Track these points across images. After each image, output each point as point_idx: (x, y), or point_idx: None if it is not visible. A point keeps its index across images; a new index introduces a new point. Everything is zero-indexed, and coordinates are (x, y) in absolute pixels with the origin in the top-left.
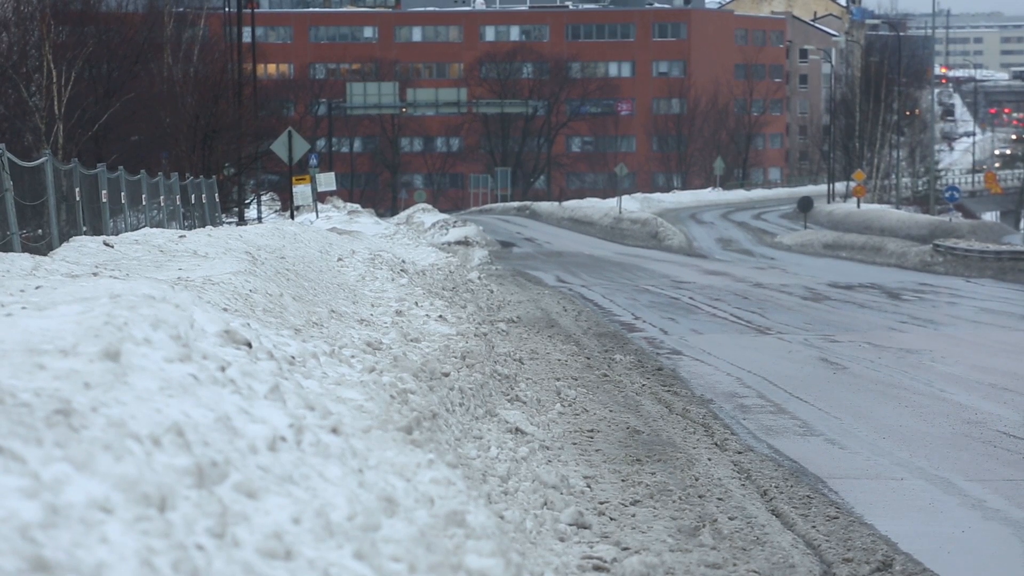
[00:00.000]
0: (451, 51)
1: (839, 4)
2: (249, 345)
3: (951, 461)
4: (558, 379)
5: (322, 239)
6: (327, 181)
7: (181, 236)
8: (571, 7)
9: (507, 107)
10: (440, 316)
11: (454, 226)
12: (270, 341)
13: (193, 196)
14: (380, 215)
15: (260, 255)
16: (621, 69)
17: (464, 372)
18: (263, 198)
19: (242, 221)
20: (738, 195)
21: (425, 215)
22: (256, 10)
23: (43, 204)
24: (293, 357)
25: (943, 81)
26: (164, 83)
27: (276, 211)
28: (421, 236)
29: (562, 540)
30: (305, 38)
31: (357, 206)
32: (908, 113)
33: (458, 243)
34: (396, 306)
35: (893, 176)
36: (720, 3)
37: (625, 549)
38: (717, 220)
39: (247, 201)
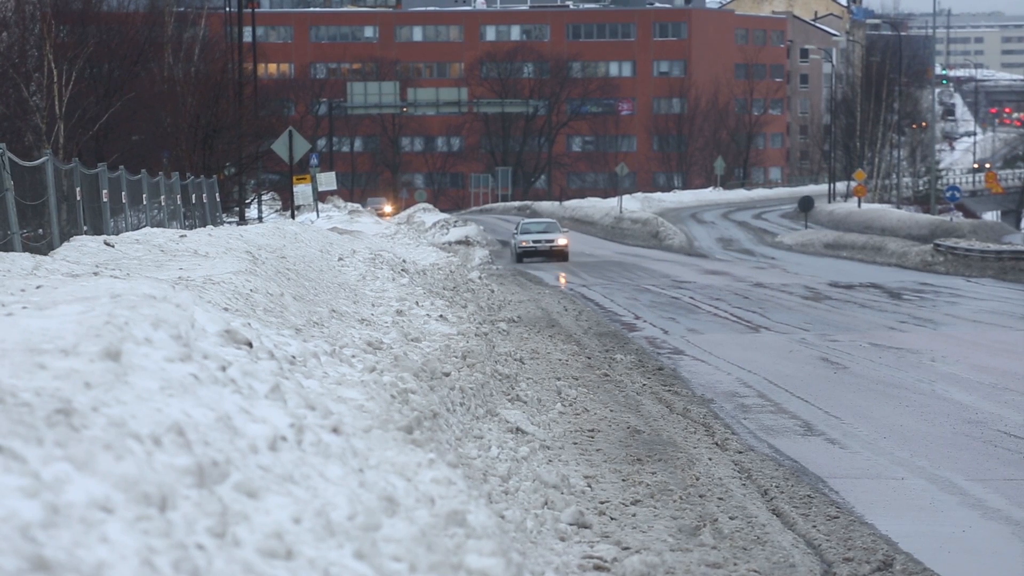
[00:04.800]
0: (452, 51)
1: (840, 4)
2: (250, 345)
3: (951, 461)
4: (559, 379)
5: (323, 239)
6: (328, 181)
7: (182, 236)
8: (572, 7)
9: (508, 107)
10: (441, 316)
11: (455, 226)
12: (271, 341)
13: (194, 196)
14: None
15: (261, 255)
16: (622, 69)
17: (465, 372)
18: (264, 198)
19: (243, 221)
20: (739, 195)
21: (426, 215)
22: (257, 10)
23: (44, 204)
24: (294, 357)
25: (950, 77)
26: (165, 83)
27: (277, 211)
28: (422, 236)
29: (563, 540)
30: (306, 38)
31: (358, 205)
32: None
33: (459, 243)
34: (397, 306)
35: (894, 176)
36: (721, 3)
37: (626, 549)
38: (718, 220)
39: (248, 201)
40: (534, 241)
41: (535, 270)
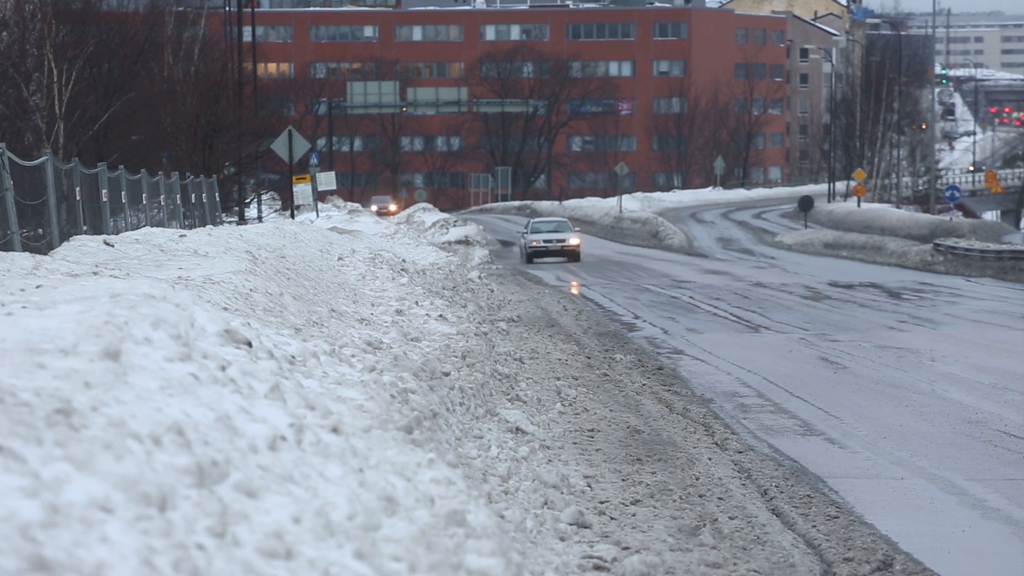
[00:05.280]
0: (451, 50)
1: (840, 3)
2: (249, 344)
3: (951, 460)
4: (558, 378)
5: (322, 238)
6: (327, 180)
7: (181, 235)
8: (571, 6)
9: (507, 106)
10: (440, 315)
11: (454, 225)
12: (270, 340)
13: (193, 195)
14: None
15: (260, 254)
16: (621, 68)
17: (464, 371)
18: (263, 197)
19: (242, 220)
20: (738, 194)
21: (425, 214)
22: (256, 9)
23: (43, 203)
24: (293, 356)
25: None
26: (164, 83)
27: (276, 210)
28: (421, 235)
29: (562, 539)
30: (305, 37)
31: (358, 205)
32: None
33: (458, 242)
34: (396, 305)
35: (893, 175)
36: (720, 2)
37: (626, 548)
38: (717, 219)
39: (247, 200)
40: (545, 241)
41: (535, 269)
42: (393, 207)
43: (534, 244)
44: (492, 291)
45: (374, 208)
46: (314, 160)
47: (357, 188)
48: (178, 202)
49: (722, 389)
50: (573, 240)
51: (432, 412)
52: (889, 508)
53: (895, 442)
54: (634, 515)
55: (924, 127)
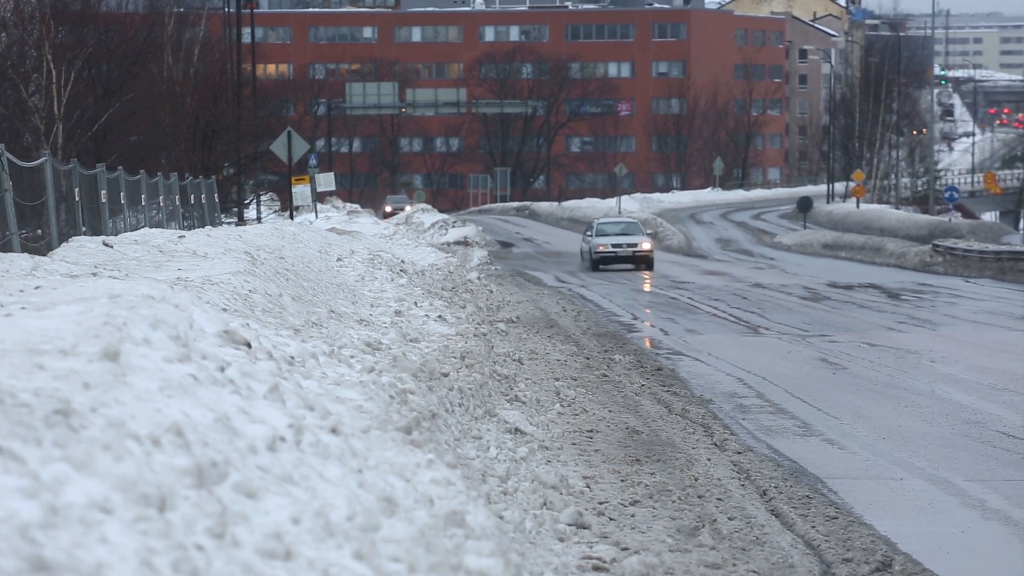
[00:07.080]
0: (451, 51)
1: (839, 4)
2: (248, 345)
3: (950, 461)
4: (557, 379)
5: (321, 239)
6: (326, 181)
7: (180, 236)
8: (571, 7)
9: (507, 107)
10: (439, 316)
11: (453, 226)
12: (269, 341)
13: (192, 196)
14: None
15: (259, 255)
16: (621, 69)
17: (463, 372)
18: (262, 198)
19: (241, 221)
20: (737, 195)
21: (424, 215)
22: (256, 10)
23: (42, 204)
24: (292, 357)
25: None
26: (164, 83)
27: (275, 211)
28: (420, 236)
29: (561, 540)
30: (305, 38)
31: (356, 206)
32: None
33: (457, 243)
34: (395, 306)
35: (892, 176)
36: (720, 3)
37: (624, 549)
38: (716, 220)
39: (246, 201)
40: (614, 245)
41: (534, 270)
42: (409, 207)
43: (601, 249)
44: (491, 292)
45: (389, 208)
46: (313, 161)
47: (356, 189)
48: (177, 203)
49: (721, 390)
50: (646, 244)
51: (431, 413)
52: (888, 509)
53: (894, 443)
54: (633, 516)
55: (924, 132)
